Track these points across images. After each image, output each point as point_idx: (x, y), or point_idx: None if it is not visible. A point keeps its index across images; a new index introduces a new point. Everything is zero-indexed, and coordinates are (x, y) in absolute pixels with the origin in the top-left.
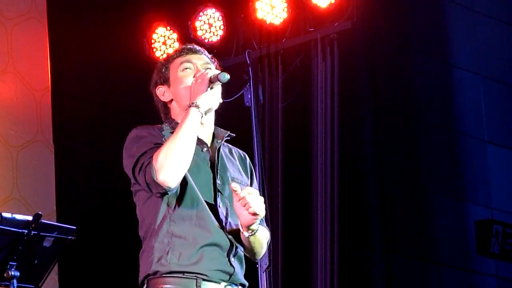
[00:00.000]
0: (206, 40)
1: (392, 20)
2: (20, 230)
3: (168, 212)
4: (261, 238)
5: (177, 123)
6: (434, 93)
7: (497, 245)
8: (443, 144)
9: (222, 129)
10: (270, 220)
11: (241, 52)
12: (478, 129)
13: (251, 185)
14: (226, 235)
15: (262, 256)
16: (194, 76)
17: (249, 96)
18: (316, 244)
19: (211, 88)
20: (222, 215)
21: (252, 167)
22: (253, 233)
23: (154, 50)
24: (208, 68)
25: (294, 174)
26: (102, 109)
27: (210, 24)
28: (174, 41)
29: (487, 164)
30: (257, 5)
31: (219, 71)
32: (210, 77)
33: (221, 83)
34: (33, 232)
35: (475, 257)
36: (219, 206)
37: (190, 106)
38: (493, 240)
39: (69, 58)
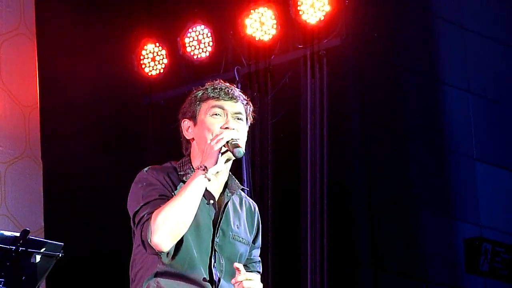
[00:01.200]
0: (195, 57)
1: (381, 37)
2: (8, 246)
3: (158, 265)
4: None
5: (189, 169)
6: (423, 110)
7: (486, 263)
8: (432, 161)
9: (236, 181)
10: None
11: (230, 68)
12: (467, 146)
13: (254, 242)
14: None
15: None
16: (221, 127)
17: None
18: (306, 262)
19: (222, 154)
20: (215, 276)
21: (260, 222)
22: None
23: (143, 66)
24: (239, 119)
25: (283, 190)
26: (91, 125)
27: (199, 40)
28: (163, 57)
29: (476, 182)
30: (246, 21)
31: (236, 145)
32: (225, 144)
33: (236, 157)
34: (21, 248)
35: (464, 275)
36: (213, 267)
37: (198, 168)
38: (482, 258)
39: (57, 75)
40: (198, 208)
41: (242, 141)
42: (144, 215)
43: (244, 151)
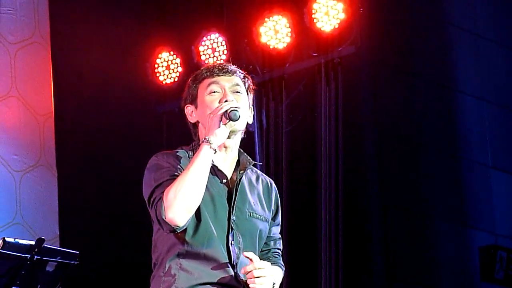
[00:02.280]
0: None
1: (396, 45)
2: (23, 255)
3: (178, 246)
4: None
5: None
6: (437, 118)
7: (501, 271)
8: (446, 169)
9: (247, 157)
10: None
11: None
12: (482, 154)
13: (274, 219)
14: (235, 276)
15: None
16: (219, 101)
17: (253, 121)
18: (321, 270)
19: (225, 124)
20: (234, 254)
21: (278, 199)
22: None
23: (158, 74)
24: (237, 91)
25: (298, 199)
26: (105, 134)
27: (213, 48)
28: (178, 66)
29: (491, 190)
30: (261, 30)
31: (231, 108)
32: (223, 112)
33: (232, 121)
34: (36, 256)
35: (479, 283)
36: (231, 244)
37: (202, 142)
38: (497, 266)
39: (72, 83)
40: (213, 187)
41: (243, 110)
42: (157, 195)
43: (240, 114)
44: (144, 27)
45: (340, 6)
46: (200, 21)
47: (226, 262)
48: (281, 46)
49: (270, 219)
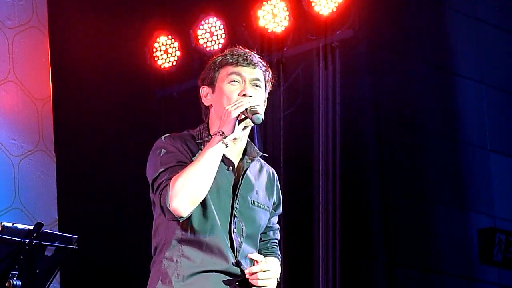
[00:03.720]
0: (207, 49)
1: (394, 29)
2: (22, 240)
3: (181, 232)
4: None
5: (207, 137)
6: (436, 101)
7: (500, 254)
8: (445, 153)
9: (255, 148)
10: None
11: None
12: (481, 137)
13: (275, 210)
14: (237, 264)
15: None
16: (239, 94)
17: None
18: (318, 254)
19: (240, 122)
20: (236, 242)
21: (280, 189)
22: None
23: (156, 58)
24: (257, 85)
25: (295, 183)
26: (104, 118)
27: (211, 32)
28: (176, 50)
29: (490, 173)
30: (259, 13)
31: (255, 108)
32: (243, 111)
33: (254, 123)
34: (34, 241)
35: (478, 265)
36: (233, 232)
37: (216, 134)
38: (496, 249)
39: (70, 67)
40: (218, 174)
41: (261, 108)
42: (163, 181)
43: (263, 118)
44: (142, 11)
45: None
46: (198, 4)
47: (228, 250)
48: (279, 29)
49: (271, 209)
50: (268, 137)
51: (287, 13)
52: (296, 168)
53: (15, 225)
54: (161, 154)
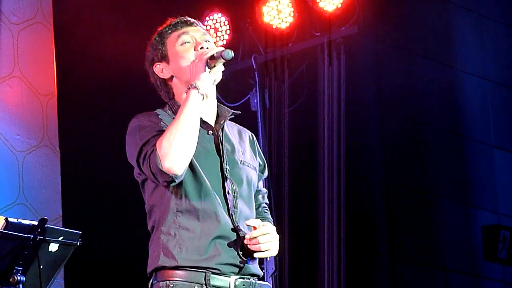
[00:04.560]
0: None
1: (398, 25)
2: (26, 235)
3: (175, 203)
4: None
5: (179, 106)
6: (440, 98)
7: (504, 251)
8: (449, 149)
9: (225, 107)
10: (277, 226)
11: (247, 56)
12: (485, 134)
13: (262, 172)
14: (235, 226)
15: (269, 261)
16: (195, 49)
17: (255, 100)
18: (323, 249)
19: (211, 67)
20: (231, 203)
21: (261, 151)
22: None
23: None
24: (206, 41)
25: (300, 179)
26: (108, 114)
27: (216, 28)
28: None
29: (494, 169)
30: (264, 9)
31: (222, 48)
32: (211, 55)
33: (225, 61)
34: (38, 237)
35: (482, 262)
36: (228, 193)
37: (189, 88)
38: (500, 246)
39: (75, 63)
40: (201, 139)
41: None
42: (148, 150)
43: (232, 53)
44: (146, 6)
45: None
46: (203, 1)
47: (226, 214)
48: (283, 25)
49: (258, 170)
50: (272, 133)
51: (292, 9)
52: (300, 164)
53: (19, 220)
54: (138, 131)
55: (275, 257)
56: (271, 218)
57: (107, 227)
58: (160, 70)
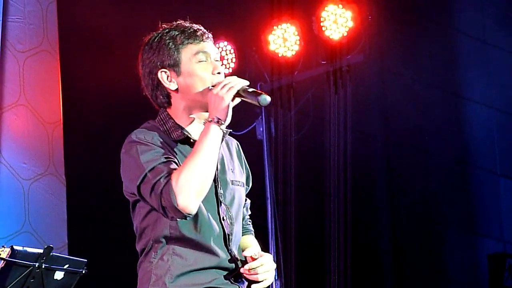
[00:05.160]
0: None
1: (404, 53)
2: (32, 263)
3: (171, 230)
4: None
5: (174, 125)
6: (446, 125)
7: (510, 279)
8: (455, 177)
9: None
10: (283, 255)
11: (253, 85)
12: (491, 162)
13: (247, 183)
14: (231, 255)
15: None
16: (212, 72)
17: (261, 129)
18: (329, 278)
19: (232, 100)
20: (227, 229)
21: (245, 160)
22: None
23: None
24: (217, 60)
25: (307, 207)
26: (114, 142)
27: (222, 57)
28: None
29: (500, 197)
30: (270, 37)
31: (256, 92)
32: (241, 94)
33: (258, 105)
34: (44, 265)
35: None
36: (223, 219)
37: (210, 121)
38: (506, 274)
39: (81, 91)
40: None
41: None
42: (159, 180)
43: (269, 99)
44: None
45: (349, 14)
46: (209, 29)
47: (221, 241)
48: (289, 54)
49: (244, 185)
50: (278, 162)
51: (298, 37)
52: (307, 192)
53: (25, 248)
54: (139, 152)
55: (281, 285)
56: (253, 230)
57: (112, 255)
58: (167, 78)
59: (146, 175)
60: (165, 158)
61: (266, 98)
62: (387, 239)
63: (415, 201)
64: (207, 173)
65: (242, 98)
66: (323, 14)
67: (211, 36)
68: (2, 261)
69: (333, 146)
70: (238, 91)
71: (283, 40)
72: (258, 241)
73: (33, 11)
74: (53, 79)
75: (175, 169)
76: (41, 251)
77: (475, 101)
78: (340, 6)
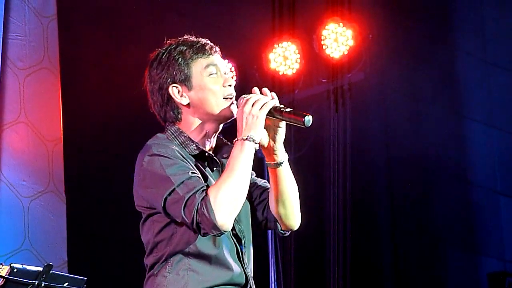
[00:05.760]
0: None
1: (404, 72)
2: (31, 281)
3: (187, 245)
4: (290, 174)
5: (188, 140)
6: (447, 144)
7: None
8: (455, 195)
9: (223, 139)
10: (283, 275)
11: None
12: (491, 180)
13: (257, 185)
14: (244, 270)
15: None
16: (223, 85)
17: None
18: None
19: (276, 125)
20: (240, 245)
21: None
22: (279, 164)
23: None
24: (225, 72)
25: (306, 226)
26: (114, 160)
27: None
28: None
29: (500, 216)
30: (270, 56)
31: (299, 113)
32: (274, 110)
33: (299, 126)
34: (44, 283)
35: None
36: (236, 235)
37: (244, 139)
38: None
39: (81, 109)
40: (211, 176)
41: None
42: (193, 195)
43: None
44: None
45: (349, 32)
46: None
47: (235, 257)
48: (290, 72)
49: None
50: None
51: (298, 55)
52: (307, 210)
53: (24, 266)
54: (164, 166)
55: None
56: None
57: (112, 273)
58: (178, 93)
59: (174, 189)
60: (192, 173)
61: (310, 119)
62: (387, 258)
63: (415, 219)
64: (243, 190)
65: (282, 119)
66: (324, 32)
67: (219, 49)
68: (2, 279)
69: (333, 164)
70: (272, 110)
71: (284, 58)
72: (258, 260)
73: (34, 29)
74: (54, 96)
75: (206, 185)
76: (40, 269)
77: (476, 120)
78: (341, 24)
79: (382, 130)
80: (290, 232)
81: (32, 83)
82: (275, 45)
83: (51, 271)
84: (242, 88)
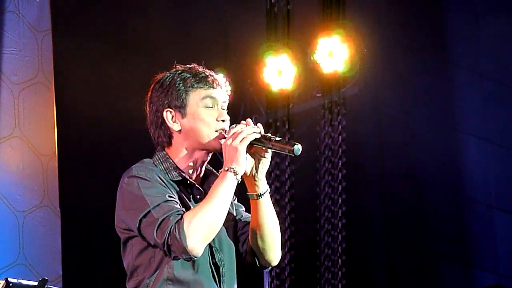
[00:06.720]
0: None
1: (399, 86)
2: None
3: (166, 270)
4: (271, 207)
5: (172, 166)
6: (442, 158)
7: None
8: (450, 209)
9: (212, 169)
10: None
11: (248, 117)
12: (486, 195)
13: (240, 218)
14: None
15: None
16: (216, 119)
17: None
18: None
19: (262, 154)
20: (220, 272)
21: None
22: (259, 195)
23: None
24: (224, 109)
25: (302, 239)
26: (109, 174)
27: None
28: None
29: (495, 230)
30: (265, 70)
31: (289, 142)
32: (272, 144)
33: (295, 155)
34: None
35: None
36: (212, 264)
37: (226, 171)
38: None
39: (76, 123)
40: (191, 204)
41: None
42: (167, 217)
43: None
44: (147, 67)
45: (344, 47)
46: (204, 61)
47: (212, 283)
48: (284, 86)
49: (235, 215)
50: (273, 194)
51: (293, 70)
52: (302, 224)
53: (19, 281)
54: (141, 187)
55: None
56: None
57: (107, 287)
58: (172, 119)
59: (149, 211)
60: (169, 196)
61: (300, 148)
62: (381, 272)
63: (410, 233)
64: (218, 220)
65: (271, 148)
66: (318, 47)
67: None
68: None
69: (327, 178)
70: (262, 139)
71: (278, 73)
72: (253, 276)
73: (28, 43)
74: (48, 111)
75: (182, 209)
76: (35, 283)
77: (471, 134)
78: (335, 39)
79: (376, 144)
80: (269, 268)
81: (27, 98)
82: (270, 59)
83: (46, 286)
84: (237, 103)
